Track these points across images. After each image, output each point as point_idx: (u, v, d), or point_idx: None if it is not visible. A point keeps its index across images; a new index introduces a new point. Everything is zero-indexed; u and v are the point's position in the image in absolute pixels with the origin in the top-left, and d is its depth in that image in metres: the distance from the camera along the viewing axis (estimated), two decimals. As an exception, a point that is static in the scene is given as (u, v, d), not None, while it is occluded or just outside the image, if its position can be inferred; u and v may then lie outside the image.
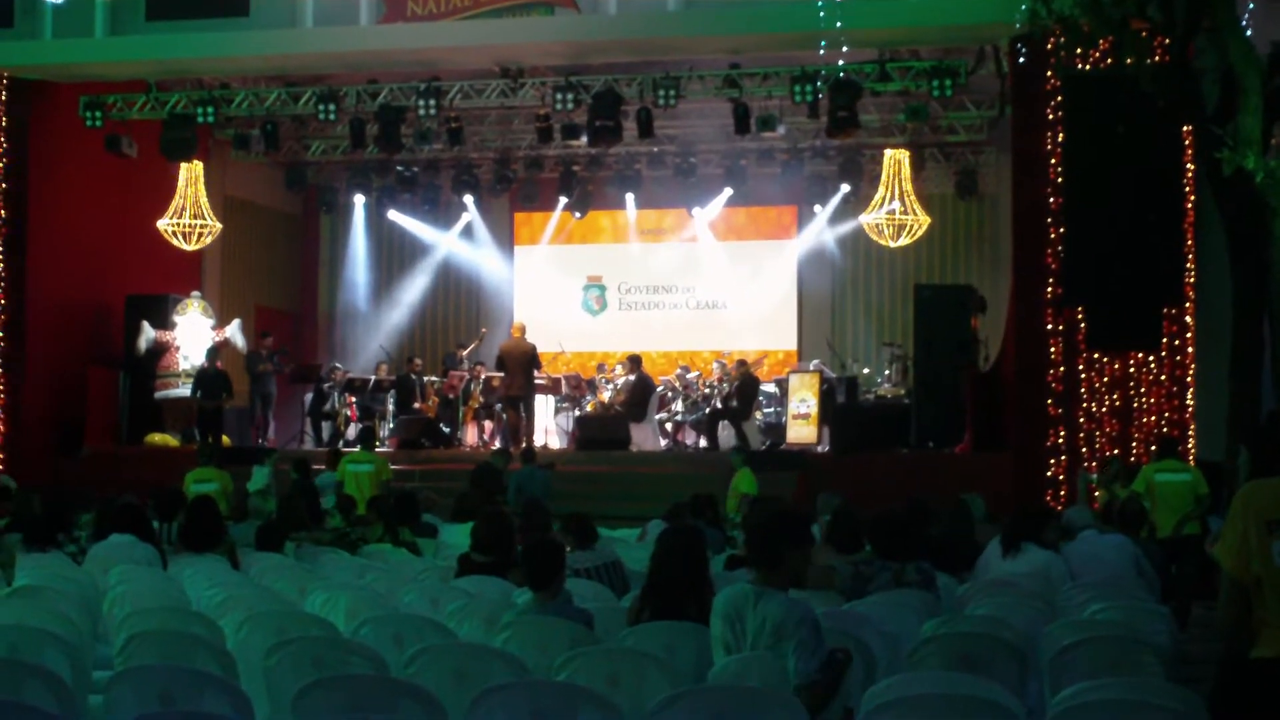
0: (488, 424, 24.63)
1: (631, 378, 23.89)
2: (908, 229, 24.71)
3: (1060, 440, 18.39)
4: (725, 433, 23.18)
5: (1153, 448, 16.93)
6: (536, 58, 21.98)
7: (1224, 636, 5.30)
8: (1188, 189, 18.39)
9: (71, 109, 22.51)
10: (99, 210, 23.24)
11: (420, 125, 23.45)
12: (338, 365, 26.25)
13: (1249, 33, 15.71)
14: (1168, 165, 18.30)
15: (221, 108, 23.04)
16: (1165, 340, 18.37)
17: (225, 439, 22.55)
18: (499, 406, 24.08)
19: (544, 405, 24.63)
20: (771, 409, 24.21)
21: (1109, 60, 17.98)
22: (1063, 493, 18.09)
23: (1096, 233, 18.30)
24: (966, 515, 11.29)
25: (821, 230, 27.77)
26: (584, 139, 23.07)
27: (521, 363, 22.92)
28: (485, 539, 9.38)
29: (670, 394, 24.77)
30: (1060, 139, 18.60)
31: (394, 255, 30.14)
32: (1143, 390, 18.37)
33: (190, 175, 24.37)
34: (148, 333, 23.45)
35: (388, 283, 30.01)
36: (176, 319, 23.96)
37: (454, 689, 6.10)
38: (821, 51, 19.51)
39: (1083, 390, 18.40)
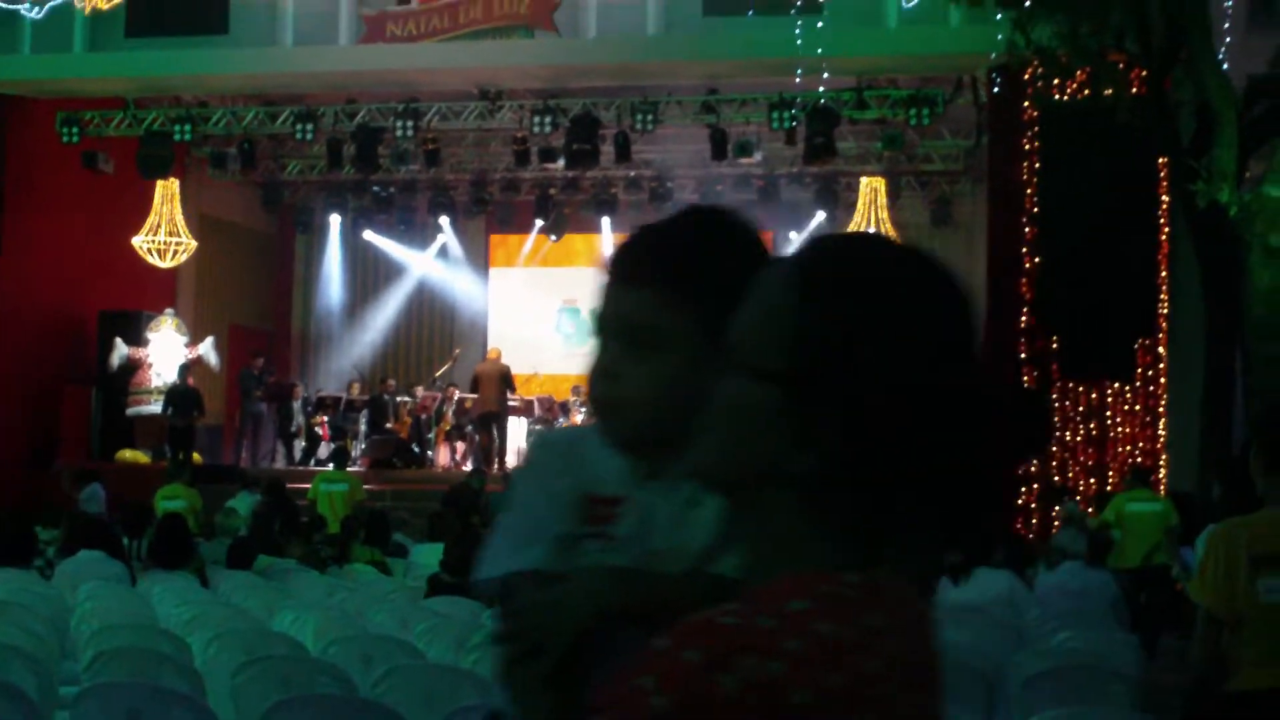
0: (459, 445, 24.60)
1: (605, 401, 23.79)
2: (883, 257, 24.71)
3: (1033, 468, 18.40)
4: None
5: (1122, 478, 17.00)
6: (515, 80, 21.97)
7: (1197, 670, 5.31)
8: (1162, 220, 18.45)
9: (48, 125, 22.42)
10: (74, 226, 23.10)
11: (398, 146, 23.42)
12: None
13: (1225, 66, 15.82)
14: (1143, 196, 18.38)
15: (199, 126, 22.98)
16: (1139, 370, 18.45)
17: (196, 456, 22.43)
18: (470, 428, 24.05)
19: (517, 427, 24.58)
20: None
21: (1086, 91, 18.06)
22: (1034, 520, 18.11)
23: (1071, 263, 18.36)
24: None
25: (797, 257, 27.74)
26: (561, 162, 23.12)
27: (495, 380, 22.94)
28: (455, 560, 9.38)
29: (644, 418, 24.72)
30: (1036, 169, 18.66)
31: (369, 275, 30.05)
32: (1116, 420, 18.44)
33: (166, 193, 24.28)
34: (121, 349, 23.32)
35: (362, 303, 29.89)
36: (150, 336, 23.84)
37: (423, 710, 6.07)
38: (799, 79, 19.59)
39: (1056, 419, 18.44)
